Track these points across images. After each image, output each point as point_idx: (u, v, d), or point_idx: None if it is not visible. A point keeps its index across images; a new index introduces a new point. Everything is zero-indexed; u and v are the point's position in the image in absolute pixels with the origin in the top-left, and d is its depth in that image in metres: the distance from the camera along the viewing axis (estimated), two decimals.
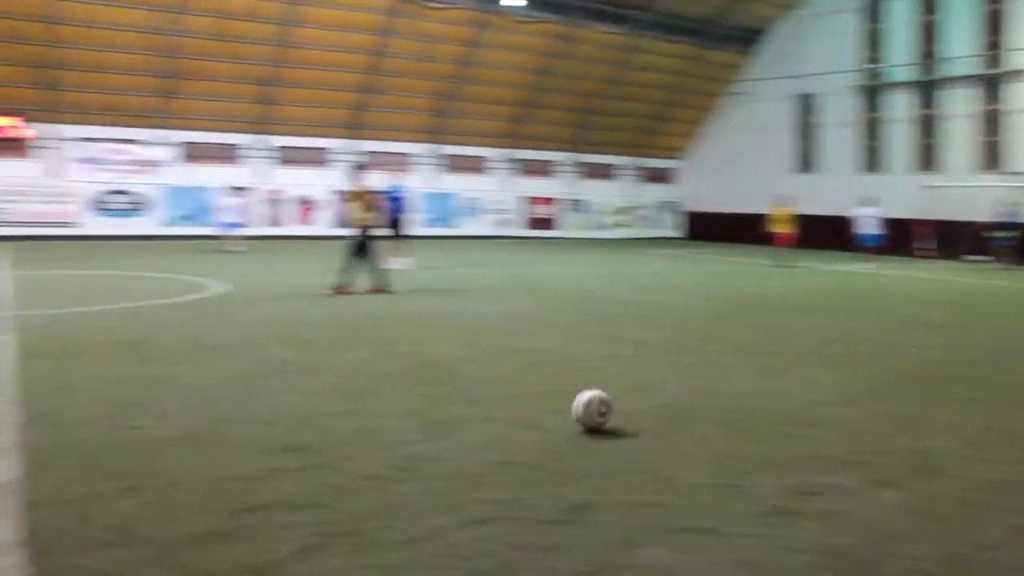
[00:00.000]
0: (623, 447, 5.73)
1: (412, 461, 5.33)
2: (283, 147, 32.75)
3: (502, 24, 32.83)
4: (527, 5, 31.99)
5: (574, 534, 4.25)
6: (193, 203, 30.43)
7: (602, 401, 5.97)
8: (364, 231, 14.56)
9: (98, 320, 10.99)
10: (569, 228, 38.54)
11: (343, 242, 14.83)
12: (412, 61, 32.20)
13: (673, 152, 41.47)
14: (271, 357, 8.69)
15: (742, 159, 37.66)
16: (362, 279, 14.42)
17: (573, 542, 4.15)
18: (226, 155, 31.75)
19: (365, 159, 32.96)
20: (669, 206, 41.49)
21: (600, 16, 34.17)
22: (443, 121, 34.86)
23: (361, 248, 14.45)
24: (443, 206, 35.46)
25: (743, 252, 28.76)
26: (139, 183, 30.23)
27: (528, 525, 4.35)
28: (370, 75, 32.17)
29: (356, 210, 14.61)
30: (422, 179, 34.03)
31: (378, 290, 14.35)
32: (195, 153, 31.26)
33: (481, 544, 4.10)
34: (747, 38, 37.93)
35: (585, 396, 6.00)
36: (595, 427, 5.94)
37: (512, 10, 32.27)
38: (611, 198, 40.02)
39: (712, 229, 38.36)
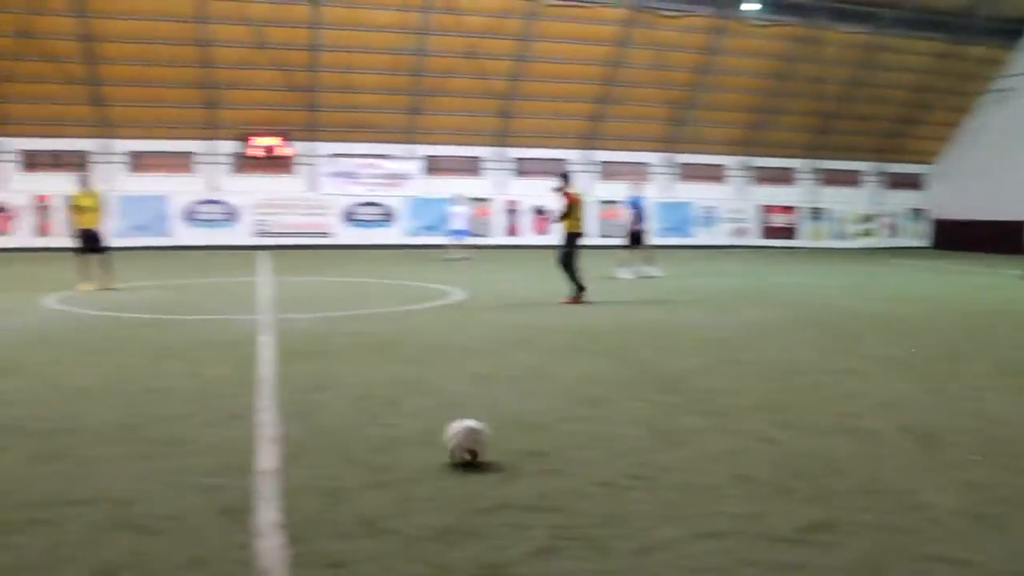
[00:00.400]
0: (866, 466, 5.43)
1: (646, 470, 5.30)
2: (519, 159, 33.64)
3: (739, 29, 32.14)
4: (765, 9, 31.14)
5: (811, 554, 4.07)
6: (435, 214, 31.87)
7: (474, 440, 5.32)
8: (571, 239, 14.50)
9: (350, 324, 11.70)
10: (808, 237, 37.07)
11: (556, 252, 14.75)
12: (648, 71, 32.17)
13: (922, 156, 38.86)
14: (510, 362, 8.92)
15: (1003, 162, 34.69)
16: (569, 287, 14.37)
17: (810, 561, 3.98)
18: (467, 167, 33.06)
19: (597, 169, 33.48)
20: (916, 214, 38.94)
21: (843, 16, 32.64)
22: (678, 130, 34.56)
23: (569, 256, 14.36)
24: (678, 216, 35.12)
25: (999, 263, 26.50)
26: (387, 195, 32.07)
27: (763, 542, 4.22)
28: (606, 86, 32.44)
29: (566, 218, 14.53)
30: (657, 188, 33.89)
31: (574, 301, 14.21)
32: (438, 166, 32.77)
33: (713, 558, 4.02)
34: (1009, 30, 34.94)
35: (458, 427, 5.36)
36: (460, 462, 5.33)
37: (750, 15, 31.53)
38: (853, 206, 38.11)
39: (963, 238, 35.56)
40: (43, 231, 29.47)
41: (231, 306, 13.74)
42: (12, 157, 29.62)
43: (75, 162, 29.81)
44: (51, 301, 14.14)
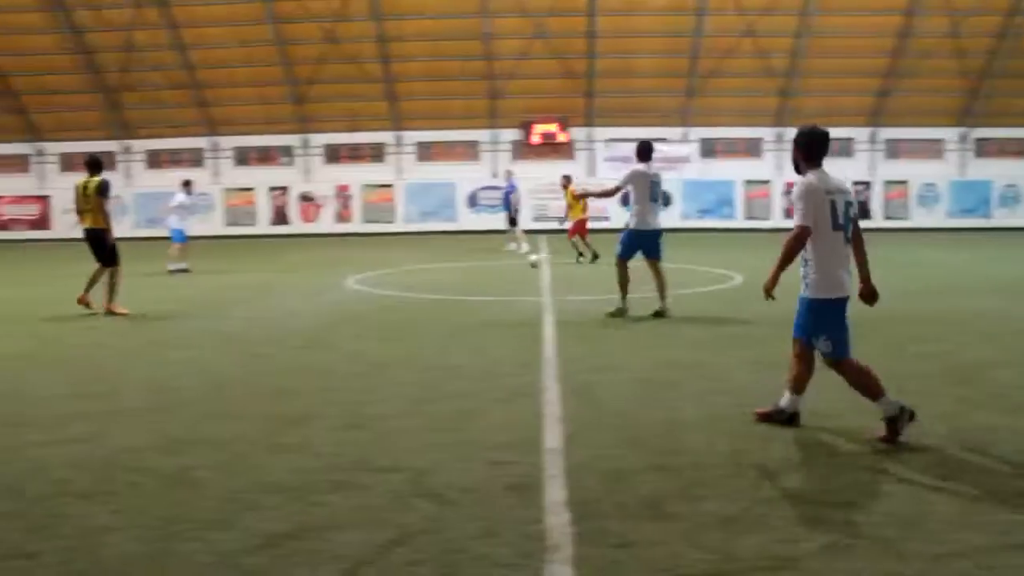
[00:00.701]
0: None
1: (944, 470, 4.92)
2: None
3: None
4: None
5: None
6: (712, 197, 31.28)
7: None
8: None
9: (632, 306, 11.74)
10: None
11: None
12: (941, 39, 29.70)
13: None
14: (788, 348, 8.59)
15: None
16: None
17: None
18: (746, 149, 32.18)
19: (881, 148, 31.39)
20: None
21: None
22: (977, 102, 31.65)
23: None
24: (975, 196, 32.18)
25: None
26: (664, 179, 31.87)
27: None
28: (894, 58, 30.34)
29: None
30: (950, 166, 31.35)
31: None
32: (716, 149, 32.12)
33: (1018, 572, 3.67)
34: None
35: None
36: None
37: None
38: None
39: None
40: (343, 218, 32.02)
41: (514, 288, 14.24)
42: (318, 151, 32.36)
43: (371, 154, 32.16)
44: (352, 282, 15.33)
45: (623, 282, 10.69)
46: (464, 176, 32.02)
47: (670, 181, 31.42)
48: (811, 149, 5.67)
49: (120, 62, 30.71)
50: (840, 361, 5.57)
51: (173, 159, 33.07)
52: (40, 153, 33.35)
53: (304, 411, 6.41)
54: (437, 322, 10.74)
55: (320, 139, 32.21)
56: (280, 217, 32.31)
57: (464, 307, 12.17)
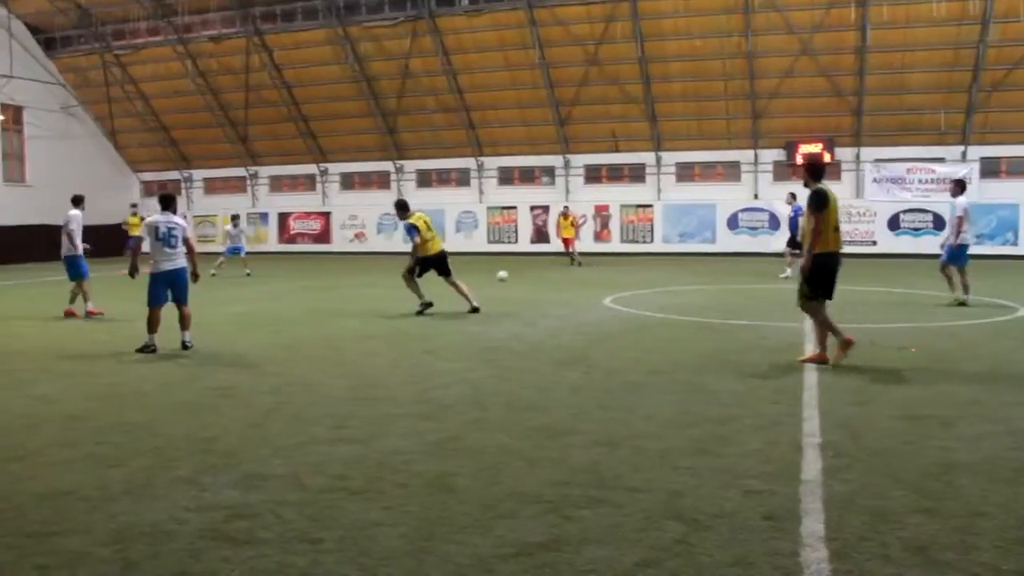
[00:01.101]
0: None
1: None
2: None
3: None
4: None
5: None
6: (992, 221, 28.88)
7: None
8: None
9: (893, 336, 11.11)
10: None
11: None
12: None
13: None
14: None
15: None
16: None
17: None
18: None
19: None
20: None
21: None
22: None
23: None
24: None
25: None
26: (938, 201, 29.75)
27: None
28: None
29: None
30: None
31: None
32: (999, 168, 29.60)
33: None
34: None
35: None
36: None
37: None
38: None
39: None
40: (601, 237, 32.42)
41: (772, 312, 13.85)
42: (578, 171, 33.01)
43: (631, 175, 32.42)
44: (608, 301, 15.51)
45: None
46: (724, 197, 31.52)
47: (939, 204, 29.37)
48: None
49: (396, 88, 32.88)
50: None
51: (441, 179, 34.94)
52: (325, 173, 36.31)
53: (561, 426, 6.58)
54: (693, 344, 10.66)
55: (581, 160, 32.85)
56: (540, 235, 33.23)
57: (721, 330, 11.99)
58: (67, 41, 35.96)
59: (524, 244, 33.18)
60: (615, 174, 33.00)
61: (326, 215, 36.31)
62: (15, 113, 34.89)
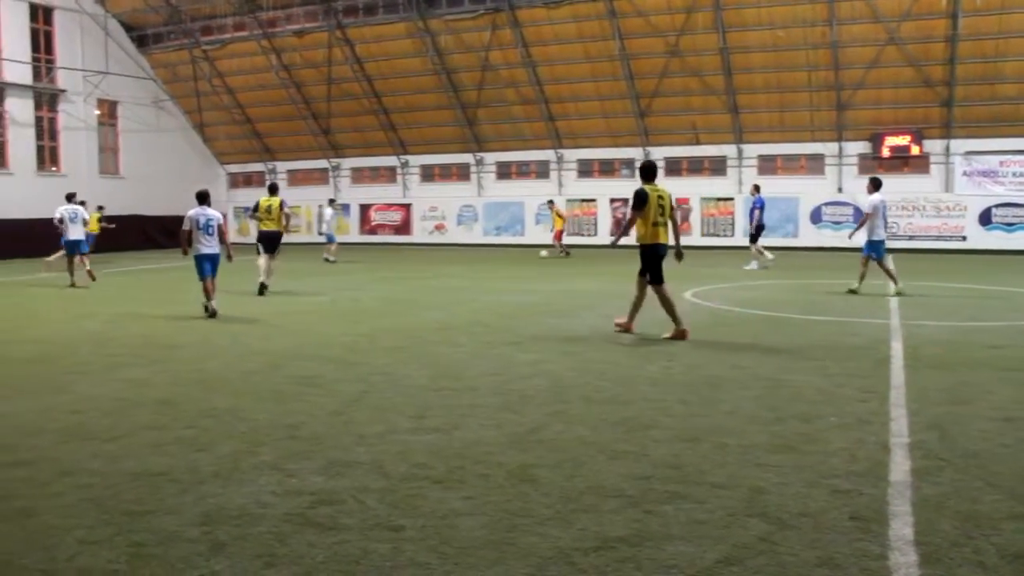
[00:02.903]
0: None
1: None
2: None
3: None
4: None
5: None
6: None
7: None
8: None
9: (986, 335, 10.77)
10: None
11: None
12: None
13: None
14: None
15: None
16: None
17: None
18: None
19: None
20: None
21: None
22: None
23: None
24: None
25: None
26: None
27: None
28: None
29: None
30: None
31: None
32: None
33: None
34: None
35: None
36: None
37: None
38: None
39: None
40: (681, 230, 32.00)
41: (857, 309, 13.55)
42: (659, 164, 32.66)
43: (712, 167, 32.04)
44: (688, 295, 15.34)
45: None
46: (808, 190, 30.90)
47: None
48: None
49: (476, 80, 33.02)
50: None
51: (520, 171, 35.01)
52: (405, 165, 36.68)
53: (641, 419, 6.54)
54: (775, 340, 10.49)
55: (661, 152, 32.58)
56: (620, 228, 33.04)
57: (804, 326, 11.77)
58: (158, 38, 37.01)
59: (603, 236, 33.05)
60: (695, 167, 32.64)
61: (407, 207, 36.70)
62: (110, 108, 36.09)
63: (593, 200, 33.60)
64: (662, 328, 10.79)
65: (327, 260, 25.30)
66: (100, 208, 22.82)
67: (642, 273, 10.81)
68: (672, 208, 10.86)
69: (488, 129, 34.62)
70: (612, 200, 33.19)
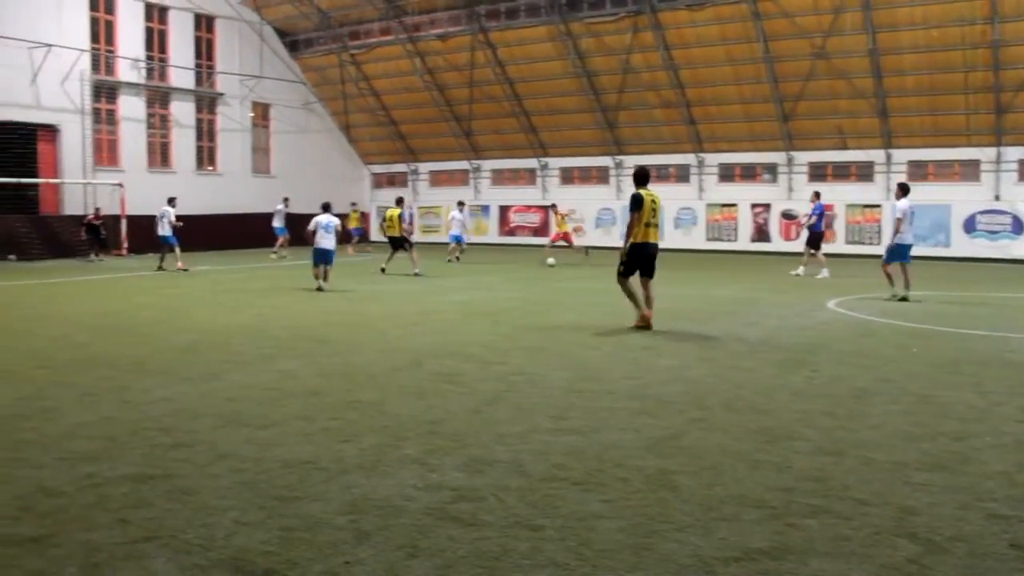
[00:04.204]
0: None
1: None
2: None
3: None
4: None
5: None
6: None
7: None
8: None
9: None
10: None
11: None
12: None
13: None
14: None
15: None
16: None
17: None
18: None
19: None
20: None
21: None
22: None
23: None
24: None
25: None
26: None
27: None
28: None
29: None
30: None
31: None
32: None
33: None
34: None
35: None
36: None
37: None
38: None
39: None
40: (825, 238, 31.01)
41: (1015, 322, 12.86)
42: (802, 169, 31.85)
43: (859, 173, 30.95)
44: (832, 304, 14.89)
45: None
46: (961, 198, 29.44)
47: None
48: None
49: (617, 83, 32.91)
50: None
51: (660, 175, 34.72)
52: (545, 167, 36.89)
53: (782, 430, 6.40)
54: (925, 353, 10.04)
55: (805, 157, 31.70)
56: (761, 234, 32.33)
57: (956, 339, 11.23)
58: (309, 43, 38.42)
59: (744, 242, 32.40)
60: (841, 172, 31.59)
61: (545, 209, 36.90)
62: (263, 110, 37.72)
63: (734, 205, 32.96)
64: (691, 324, 10.49)
65: (450, 260, 25.73)
66: (171, 200, 24.29)
67: (624, 273, 11.80)
68: (660, 211, 12.12)
69: (628, 132, 34.45)
70: (753, 206, 32.49)
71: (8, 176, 27.83)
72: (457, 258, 26.18)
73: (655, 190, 12.24)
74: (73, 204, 30.71)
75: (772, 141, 31.81)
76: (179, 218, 23.79)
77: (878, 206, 30.54)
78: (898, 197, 16.09)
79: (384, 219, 22.57)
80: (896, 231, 15.88)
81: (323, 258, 18.09)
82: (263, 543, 4.24)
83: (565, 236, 27.14)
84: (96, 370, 8.83)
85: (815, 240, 21.81)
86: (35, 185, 30.05)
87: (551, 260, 24.89)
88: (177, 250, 23.53)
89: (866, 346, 10.55)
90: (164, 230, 23.50)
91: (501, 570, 3.95)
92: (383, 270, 21.73)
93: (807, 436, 6.23)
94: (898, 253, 15.82)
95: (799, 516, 4.61)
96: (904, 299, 15.30)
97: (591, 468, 5.43)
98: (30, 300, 15.99)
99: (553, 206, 29.29)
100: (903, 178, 29.88)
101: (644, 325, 11.53)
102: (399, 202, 23.28)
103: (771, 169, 32.40)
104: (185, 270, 23.07)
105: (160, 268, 23.51)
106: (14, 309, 14.44)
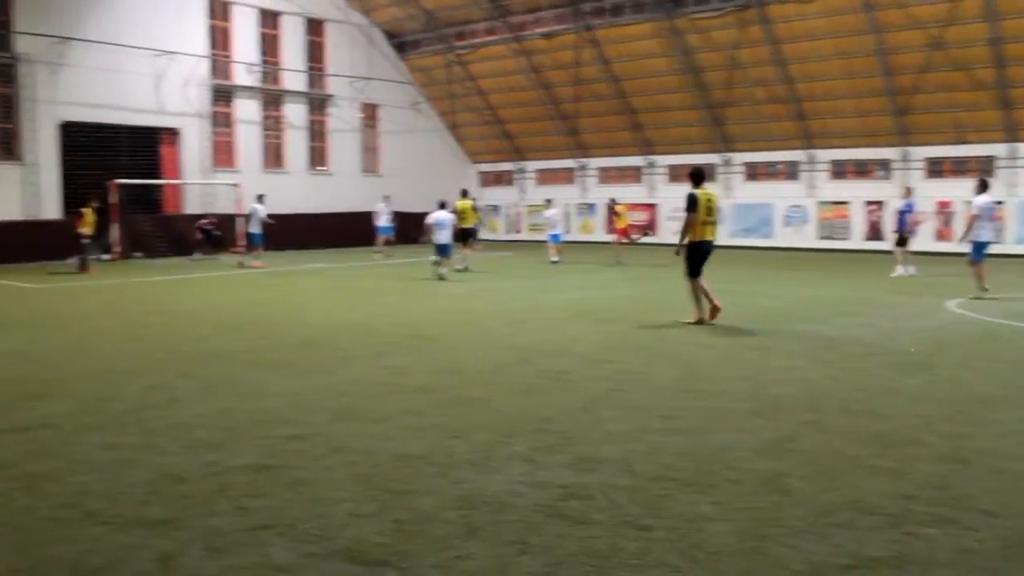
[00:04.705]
0: None
1: None
2: None
3: None
4: None
5: None
6: None
7: None
8: None
9: None
10: None
11: None
12: None
13: None
14: None
15: None
16: None
17: None
18: None
19: None
20: None
21: None
22: None
23: None
24: None
25: None
26: None
27: None
28: None
29: None
30: None
31: None
32: None
33: None
34: None
35: None
36: None
37: None
38: None
39: None
40: (943, 236, 29.95)
41: None
42: (918, 165, 30.75)
43: (980, 168, 29.67)
44: (953, 304, 14.33)
45: None
46: None
47: None
48: None
49: (723, 80, 32.38)
50: None
51: (769, 172, 34.02)
52: (651, 165, 36.58)
53: (902, 435, 6.19)
54: None
55: (921, 152, 30.58)
56: (875, 232, 31.33)
57: None
58: (416, 44, 38.98)
59: (857, 241, 31.45)
60: (959, 167, 30.33)
61: (652, 206, 36.58)
62: (372, 111, 38.48)
63: (846, 203, 32.03)
64: (804, 325, 10.13)
65: (555, 262, 24.89)
66: (260, 198, 25.05)
67: (691, 273, 12.11)
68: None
69: (736, 129, 33.84)
70: (867, 203, 31.51)
71: (135, 178, 29.14)
72: (556, 262, 25.37)
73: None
74: (193, 204, 31.94)
75: (886, 136, 30.77)
76: (272, 216, 24.75)
77: (1000, 203, 29.21)
78: (977, 193, 16.07)
79: (458, 211, 22.66)
80: (969, 228, 15.98)
81: (442, 251, 19.89)
82: (376, 534, 4.34)
83: (624, 231, 26.48)
84: (216, 363, 9.17)
85: (903, 237, 21.16)
86: (159, 186, 31.37)
87: (618, 259, 24.74)
88: (260, 248, 24.34)
89: (990, 350, 10.12)
90: (254, 227, 24.41)
91: (610, 569, 3.95)
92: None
93: (927, 442, 6.02)
94: (976, 250, 15.87)
95: (919, 525, 4.46)
96: (985, 291, 15.52)
97: (701, 469, 5.37)
98: (155, 296, 16.69)
99: (612, 201, 28.56)
100: None
101: (697, 321, 11.94)
102: (464, 194, 24.18)
103: (885, 165, 31.35)
104: (260, 268, 23.58)
105: (241, 265, 24.29)
106: (142, 304, 15.09)
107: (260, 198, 25.25)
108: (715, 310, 11.96)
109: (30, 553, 4.18)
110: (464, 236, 22.78)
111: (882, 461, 5.55)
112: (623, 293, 16.78)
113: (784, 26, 30.01)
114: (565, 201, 36.65)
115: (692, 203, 12.00)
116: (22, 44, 27.51)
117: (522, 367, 8.88)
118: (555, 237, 26.01)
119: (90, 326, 12.42)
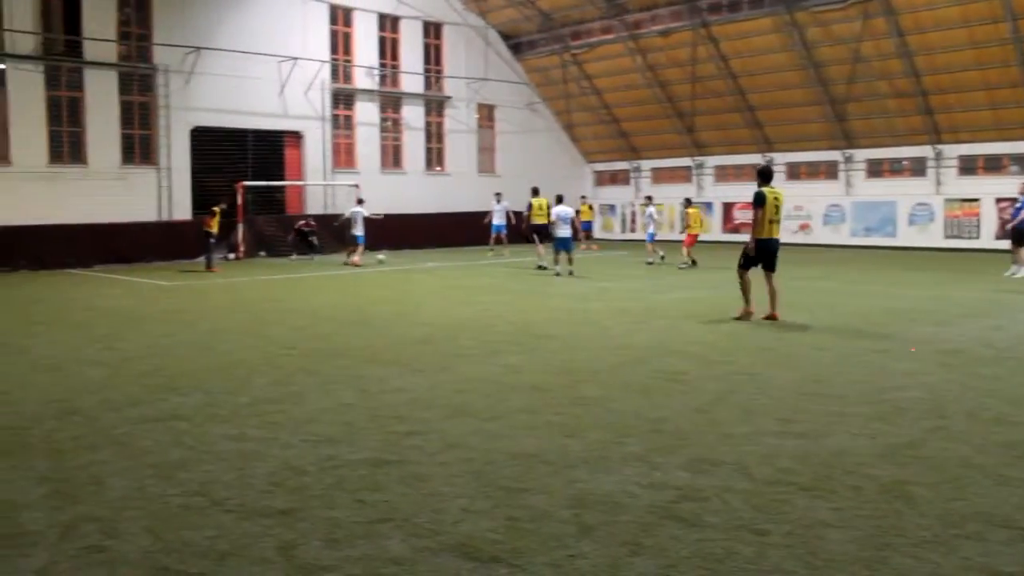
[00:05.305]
0: None
1: None
2: None
3: None
4: None
5: None
6: None
7: None
8: None
9: None
10: None
11: None
12: None
13: None
14: None
15: None
16: None
17: None
18: None
19: None
20: None
21: None
22: None
23: None
24: None
25: None
26: None
27: None
28: None
29: None
30: None
31: None
32: None
33: None
34: None
35: None
36: None
37: None
38: None
39: None
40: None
41: None
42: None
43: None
44: None
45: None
46: None
47: None
48: None
49: (845, 74, 31.41)
50: None
51: (893, 168, 32.87)
52: (770, 162, 35.80)
53: None
54: None
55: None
56: (1006, 231, 29.89)
57: None
58: (531, 44, 39.16)
59: (987, 240, 30.06)
60: (995, 165, 28.66)
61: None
62: (488, 111, 38.85)
63: (976, 200, 30.65)
64: (929, 327, 9.64)
65: (651, 263, 24.14)
66: (360, 201, 25.75)
67: (744, 265, 12.41)
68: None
69: (858, 124, 32.78)
70: (998, 200, 30.08)
71: (260, 180, 30.25)
72: (652, 262, 24.37)
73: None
74: (315, 204, 32.91)
75: (1021, 129, 29.32)
76: (375, 214, 26.06)
77: None
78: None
79: (532, 208, 23.28)
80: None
81: (563, 245, 20.26)
82: (489, 531, 4.40)
83: (692, 239, 24.04)
84: (336, 359, 9.44)
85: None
86: (282, 188, 32.44)
87: (685, 262, 23.09)
88: (361, 247, 25.08)
89: None
90: (358, 230, 25.11)
91: (724, 573, 3.91)
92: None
93: None
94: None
95: None
96: None
97: (820, 474, 5.25)
98: (277, 294, 17.27)
99: (686, 202, 25.44)
100: None
101: (742, 316, 12.36)
102: (535, 192, 24.60)
103: (1020, 160, 29.86)
104: (358, 265, 24.37)
105: (346, 263, 25.06)
106: (266, 302, 15.64)
107: (360, 202, 26.12)
108: (748, 313, 12.34)
109: (162, 536, 4.41)
110: (537, 234, 22.90)
111: (1014, 471, 5.32)
112: (738, 294, 16.46)
113: (910, 16, 28.92)
114: (679, 200, 36.11)
115: (760, 200, 12.19)
116: (159, 55, 28.87)
117: (637, 367, 8.84)
118: (651, 236, 25.48)
119: (216, 323, 12.95)
